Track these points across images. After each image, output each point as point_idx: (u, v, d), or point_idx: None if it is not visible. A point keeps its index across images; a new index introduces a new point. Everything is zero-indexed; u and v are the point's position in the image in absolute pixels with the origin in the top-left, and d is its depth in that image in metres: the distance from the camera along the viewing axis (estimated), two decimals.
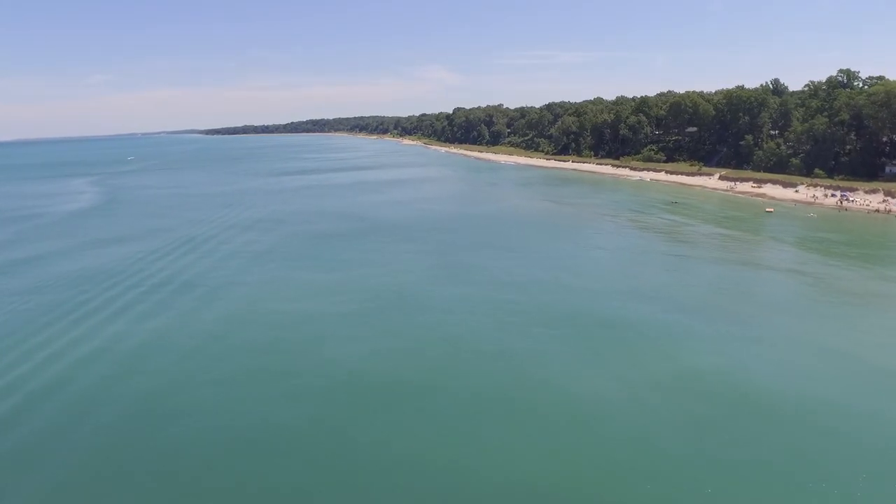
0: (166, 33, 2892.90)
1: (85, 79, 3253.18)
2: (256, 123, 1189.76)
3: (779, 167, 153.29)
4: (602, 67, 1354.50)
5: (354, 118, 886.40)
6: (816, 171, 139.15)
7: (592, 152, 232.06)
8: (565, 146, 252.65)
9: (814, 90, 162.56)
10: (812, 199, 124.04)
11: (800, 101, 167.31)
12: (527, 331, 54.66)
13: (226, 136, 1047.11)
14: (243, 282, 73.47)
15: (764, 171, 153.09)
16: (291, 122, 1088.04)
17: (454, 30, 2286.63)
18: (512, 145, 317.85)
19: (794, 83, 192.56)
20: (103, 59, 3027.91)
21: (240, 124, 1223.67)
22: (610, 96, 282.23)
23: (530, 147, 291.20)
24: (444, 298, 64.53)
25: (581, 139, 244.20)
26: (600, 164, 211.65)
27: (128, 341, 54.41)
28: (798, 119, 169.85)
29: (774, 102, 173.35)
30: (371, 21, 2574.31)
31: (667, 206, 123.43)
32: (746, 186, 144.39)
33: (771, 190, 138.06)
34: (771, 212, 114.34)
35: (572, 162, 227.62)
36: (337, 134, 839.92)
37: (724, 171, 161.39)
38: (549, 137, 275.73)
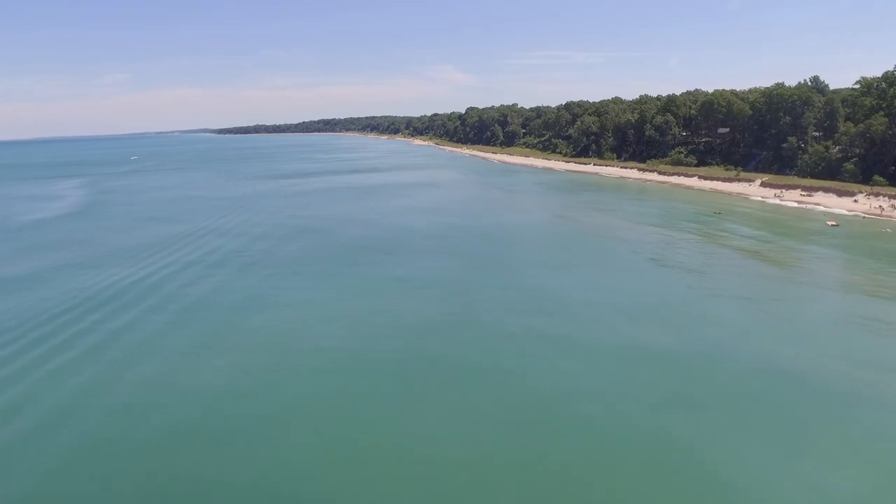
0: (183, 33, 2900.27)
1: (101, 78, 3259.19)
2: (268, 123, 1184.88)
3: (827, 173, 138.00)
4: (616, 67, 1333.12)
5: (366, 118, 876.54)
6: (875, 177, 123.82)
7: (615, 154, 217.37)
8: (585, 148, 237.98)
9: (866, 87, 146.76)
10: (878, 211, 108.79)
11: (850, 99, 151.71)
12: (676, 407, 39.66)
13: (237, 136, 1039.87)
14: (237, 315, 60.07)
15: (811, 178, 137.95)
16: (303, 122, 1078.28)
17: (466, 30, 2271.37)
18: (527, 146, 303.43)
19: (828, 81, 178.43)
20: (120, 59, 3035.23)
21: (252, 124, 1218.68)
22: (625, 96, 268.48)
23: (547, 148, 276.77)
24: (518, 344, 50.33)
25: (602, 140, 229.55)
26: (624, 167, 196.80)
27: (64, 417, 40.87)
28: (843, 119, 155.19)
29: (819, 101, 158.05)
30: (383, 21, 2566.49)
31: (712, 218, 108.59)
32: (795, 195, 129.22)
33: (824, 199, 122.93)
34: (835, 226, 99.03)
35: (594, 165, 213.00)
36: (348, 134, 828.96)
37: (765, 177, 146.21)
38: (568, 138, 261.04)
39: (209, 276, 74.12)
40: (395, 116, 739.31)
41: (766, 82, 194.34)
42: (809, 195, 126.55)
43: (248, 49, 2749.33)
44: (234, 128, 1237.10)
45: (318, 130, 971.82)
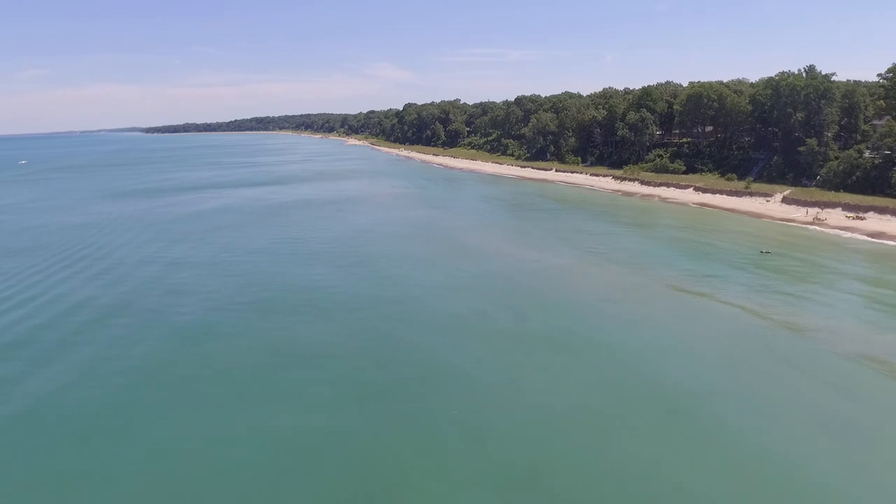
0: (108, 27, 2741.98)
1: (18, 73, 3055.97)
2: (199, 122, 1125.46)
3: (864, 184, 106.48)
4: (553, 65, 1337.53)
5: (300, 115, 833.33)
6: None
7: (578, 158, 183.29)
8: (541, 149, 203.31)
9: None
10: None
11: (882, 92, 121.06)
12: None
13: (164, 135, 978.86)
14: None
15: (845, 192, 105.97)
16: (235, 120, 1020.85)
17: (402, 27, 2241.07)
18: (473, 147, 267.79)
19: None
20: (38, 54, 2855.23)
21: (183, 122, 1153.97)
22: (569, 92, 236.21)
23: (496, 150, 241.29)
24: None
25: (562, 141, 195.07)
26: (595, 174, 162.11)
27: None
28: (864, 116, 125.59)
29: (838, 93, 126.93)
30: (320, 18, 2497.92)
31: (762, 261, 73.46)
32: (838, 216, 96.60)
33: (880, 224, 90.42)
34: None
35: (555, 171, 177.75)
36: (282, 132, 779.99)
37: (787, 190, 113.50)
38: (520, 138, 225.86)
39: None
40: (331, 114, 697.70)
41: (698, 79, 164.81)
42: (860, 218, 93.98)
43: (177, 45, 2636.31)
44: (164, 126, 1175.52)
45: (251, 129, 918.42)
